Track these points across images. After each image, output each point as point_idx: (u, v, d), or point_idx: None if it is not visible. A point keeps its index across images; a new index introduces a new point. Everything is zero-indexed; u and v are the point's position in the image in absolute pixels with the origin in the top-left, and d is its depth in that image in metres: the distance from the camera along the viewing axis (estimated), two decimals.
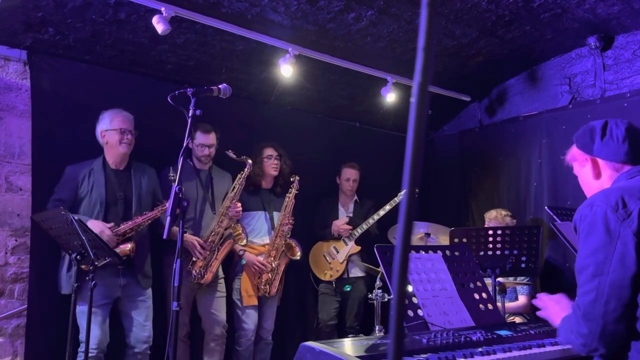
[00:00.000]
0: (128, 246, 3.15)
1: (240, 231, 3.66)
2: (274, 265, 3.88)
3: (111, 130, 3.28)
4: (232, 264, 3.90)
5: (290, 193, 4.02)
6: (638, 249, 1.49)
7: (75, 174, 3.23)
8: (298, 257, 3.98)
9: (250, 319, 3.82)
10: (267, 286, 3.87)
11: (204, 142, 3.64)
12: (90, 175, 3.23)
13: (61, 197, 3.17)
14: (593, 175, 1.78)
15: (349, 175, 4.51)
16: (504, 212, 4.01)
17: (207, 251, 3.53)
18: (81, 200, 3.21)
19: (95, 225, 3.05)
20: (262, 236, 3.97)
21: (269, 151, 4.03)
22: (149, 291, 3.37)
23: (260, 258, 3.85)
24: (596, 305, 1.51)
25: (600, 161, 1.76)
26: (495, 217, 3.98)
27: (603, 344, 1.51)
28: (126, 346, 3.32)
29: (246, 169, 3.72)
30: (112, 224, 3.13)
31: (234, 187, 3.69)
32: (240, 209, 3.69)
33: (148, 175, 3.45)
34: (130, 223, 3.17)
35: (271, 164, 4.01)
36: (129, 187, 3.34)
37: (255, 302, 3.85)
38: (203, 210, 3.66)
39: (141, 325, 3.29)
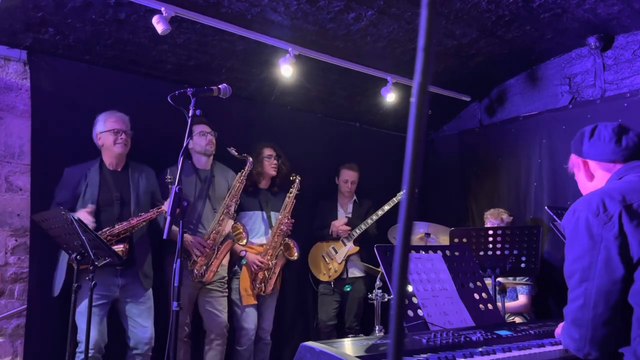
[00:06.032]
0: (121, 247, 3.13)
1: (240, 230, 3.63)
2: (271, 265, 3.87)
3: (105, 132, 3.28)
4: (230, 264, 3.90)
5: (290, 193, 4.01)
6: (621, 252, 1.50)
7: (72, 176, 3.24)
8: (295, 258, 3.96)
9: (250, 318, 3.82)
10: (263, 284, 3.86)
11: (203, 129, 3.64)
12: (87, 176, 3.24)
13: (61, 201, 3.16)
14: (587, 178, 1.79)
15: (348, 177, 4.51)
16: (501, 210, 4.16)
17: (208, 250, 3.53)
18: (77, 200, 3.21)
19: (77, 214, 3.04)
20: (259, 236, 3.97)
21: (268, 151, 4.03)
22: (150, 291, 3.36)
23: (259, 257, 3.85)
24: (585, 311, 1.53)
25: (590, 162, 1.77)
26: (492, 214, 4.13)
27: (595, 347, 1.54)
28: (127, 347, 3.31)
29: (247, 167, 3.73)
30: (89, 207, 3.11)
31: (235, 185, 3.70)
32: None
33: (146, 176, 3.43)
34: (124, 224, 3.16)
35: (271, 163, 4.01)
36: (126, 188, 3.32)
37: (255, 301, 3.85)
38: (202, 210, 3.66)
39: (142, 326, 3.28)
